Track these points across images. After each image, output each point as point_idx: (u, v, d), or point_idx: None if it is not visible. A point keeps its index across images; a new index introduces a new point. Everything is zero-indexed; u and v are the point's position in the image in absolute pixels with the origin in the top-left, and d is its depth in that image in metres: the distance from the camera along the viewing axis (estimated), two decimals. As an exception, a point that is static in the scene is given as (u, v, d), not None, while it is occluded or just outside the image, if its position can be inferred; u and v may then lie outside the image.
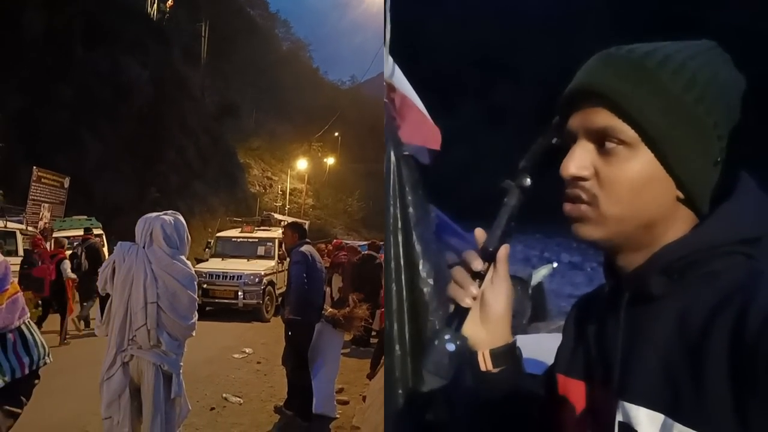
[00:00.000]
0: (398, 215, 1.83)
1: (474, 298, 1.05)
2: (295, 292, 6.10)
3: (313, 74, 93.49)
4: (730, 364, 0.74)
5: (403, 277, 1.76)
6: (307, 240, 6.68)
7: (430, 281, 1.89)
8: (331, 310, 6.63)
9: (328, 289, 8.52)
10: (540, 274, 4.61)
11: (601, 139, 0.89)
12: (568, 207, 0.93)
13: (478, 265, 1.04)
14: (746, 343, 0.72)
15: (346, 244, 14.42)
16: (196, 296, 3.97)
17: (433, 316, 1.80)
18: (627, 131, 0.86)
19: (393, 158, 1.89)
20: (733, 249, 0.84)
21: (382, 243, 13.63)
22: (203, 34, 45.47)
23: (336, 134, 59.39)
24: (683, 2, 42.40)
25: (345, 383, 7.67)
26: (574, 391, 1.02)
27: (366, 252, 12.15)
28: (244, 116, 53.45)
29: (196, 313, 4.01)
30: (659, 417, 0.81)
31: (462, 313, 1.04)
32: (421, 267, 1.89)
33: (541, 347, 1.53)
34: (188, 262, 4.02)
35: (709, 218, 0.87)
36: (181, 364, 3.99)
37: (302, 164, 50.46)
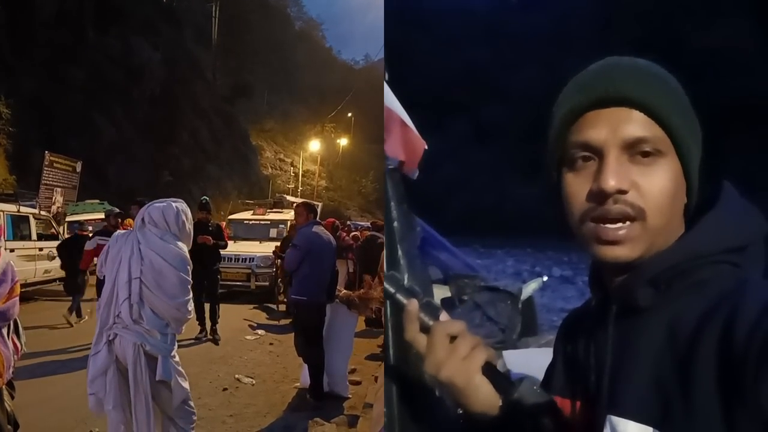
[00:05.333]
0: (385, 230, 1.78)
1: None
2: (294, 275, 6.20)
3: (327, 54, 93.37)
4: (718, 374, 0.73)
5: (389, 292, 1.71)
6: (318, 221, 6.65)
7: None
8: (345, 291, 6.60)
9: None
10: (530, 288, 4.55)
11: (633, 149, 0.85)
12: (606, 230, 0.85)
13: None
14: (734, 352, 0.71)
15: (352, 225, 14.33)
16: (187, 277, 3.91)
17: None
18: (664, 140, 0.86)
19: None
20: (719, 258, 0.84)
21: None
22: (214, 14, 45.33)
23: (349, 114, 59.25)
24: (667, 24, 42.47)
25: (357, 364, 7.66)
26: (564, 407, 1.00)
27: (369, 233, 12.04)
28: (256, 97, 53.45)
29: (189, 293, 3.94)
30: (648, 430, 0.79)
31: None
32: (406, 282, 1.83)
33: (531, 362, 1.51)
34: (183, 246, 3.98)
35: (694, 228, 0.87)
36: (173, 347, 3.89)
37: (315, 145, 50.43)
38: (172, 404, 3.84)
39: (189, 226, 4.06)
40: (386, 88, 2.12)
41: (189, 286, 3.92)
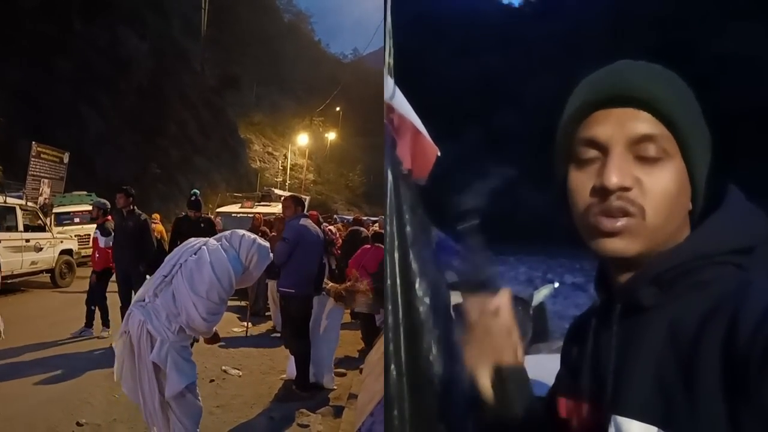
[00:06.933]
0: (395, 234, 1.80)
1: None
2: (282, 268, 6.21)
3: (315, 47, 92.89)
4: (722, 373, 0.73)
5: (399, 297, 1.73)
6: (306, 213, 6.71)
7: (427, 300, 1.86)
8: (332, 284, 6.65)
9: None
10: (541, 294, 4.60)
11: (638, 147, 0.86)
12: (606, 222, 0.86)
13: None
14: (738, 352, 0.71)
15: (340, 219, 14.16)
16: (221, 289, 3.96)
17: (429, 335, 1.77)
18: (671, 141, 0.86)
19: (390, 177, 1.85)
20: (723, 259, 0.84)
21: (365, 218, 13.54)
22: (203, 6, 44.95)
23: (338, 109, 59.04)
24: (681, 30, 42.44)
25: (343, 356, 7.73)
26: (569, 409, 1.01)
27: (352, 227, 12.15)
28: (245, 89, 53.11)
29: (213, 301, 3.95)
30: (652, 430, 0.80)
31: None
32: (417, 286, 1.85)
33: (543, 368, 1.53)
34: (238, 270, 4.08)
35: (699, 229, 0.87)
36: (178, 338, 3.91)
37: (303, 139, 50.28)
38: (167, 391, 3.89)
39: (257, 265, 4.21)
40: (399, 94, 2.15)
41: (217, 299, 3.96)
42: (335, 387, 6.47)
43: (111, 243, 8.40)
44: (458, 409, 1.15)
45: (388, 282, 1.81)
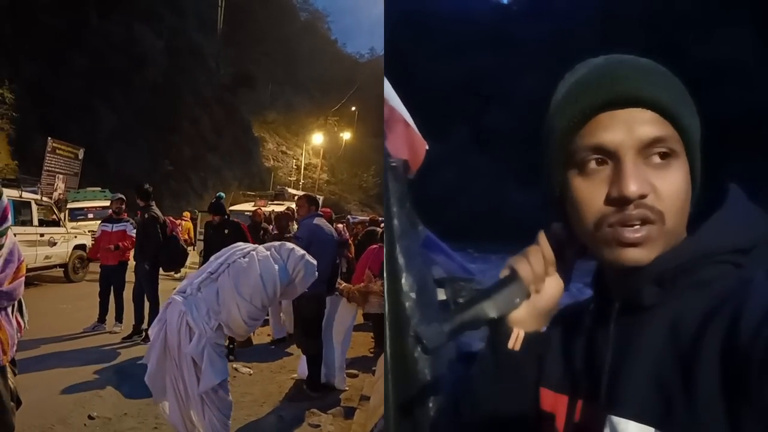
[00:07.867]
0: (384, 228, 1.78)
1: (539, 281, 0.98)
2: None
3: (331, 46, 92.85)
4: (721, 373, 0.72)
5: (385, 290, 1.70)
6: (320, 213, 6.67)
7: (412, 295, 1.83)
8: (345, 284, 6.61)
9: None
10: None
11: (648, 150, 0.83)
12: (627, 232, 0.82)
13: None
14: (738, 352, 0.71)
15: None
16: (264, 292, 4.03)
17: (414, 331, 1.73)
18: (677, 140, 0.84)
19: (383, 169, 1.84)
20: (723, 258, 0.83)
21: (379, 218, 13.50)
22: (219, 3, 45.14)
23: (353, 108, 59.05)
24: (670, 32, 42.38)
25: (355, 356, 7.69)
26: (559, 406, 0.98)
27: (368, 228, 12.07)
28: (259, 88, 53.20)
29: (256, 306, 4.02)
30: (649, 431, 0.79)
31: (519, 288, 0.97)
32: (403, 280, 1.82)
33: None
34: (284, 276, 4.15)
35: (699, 228, 0.86)
36: (215, 335, 3.94)
37: (318, 138, 50.36)
38: (200, 387, 3.92)
39: (302, 280, 4.29)
40: (389, 87, 2.13)
41: (260, 305, 4.03)
42: (347, 388, 6.43)
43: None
44: (442, 409, 1.09)
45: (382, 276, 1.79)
